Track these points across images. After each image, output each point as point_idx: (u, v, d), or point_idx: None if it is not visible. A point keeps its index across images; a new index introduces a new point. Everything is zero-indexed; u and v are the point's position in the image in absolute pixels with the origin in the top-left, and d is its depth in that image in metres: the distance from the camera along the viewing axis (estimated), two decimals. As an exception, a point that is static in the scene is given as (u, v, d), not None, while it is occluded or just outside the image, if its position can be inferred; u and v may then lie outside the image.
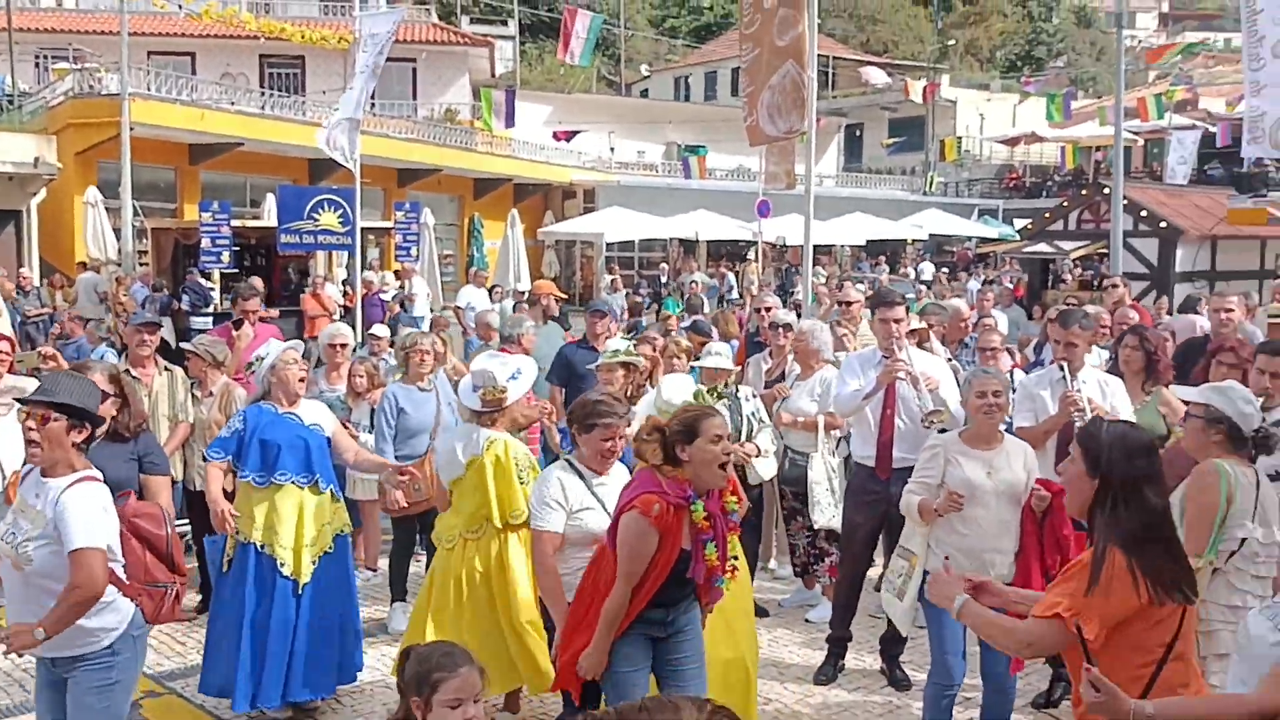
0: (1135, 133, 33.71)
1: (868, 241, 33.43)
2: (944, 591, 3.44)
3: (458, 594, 5.24)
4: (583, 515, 4.52)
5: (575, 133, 31.04)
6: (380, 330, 9.54)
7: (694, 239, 31.45)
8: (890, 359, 5.83)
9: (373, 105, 24.82)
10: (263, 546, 5.40)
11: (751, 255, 29.00)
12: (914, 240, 35.35)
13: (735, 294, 25.17)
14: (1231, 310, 7.12)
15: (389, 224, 21.11)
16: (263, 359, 5.59)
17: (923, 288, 21.32)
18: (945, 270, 29.28)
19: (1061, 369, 5.72)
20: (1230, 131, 29.94)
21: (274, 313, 16.78)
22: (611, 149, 36.01)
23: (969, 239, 35.28)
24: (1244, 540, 4.10)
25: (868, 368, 6.02)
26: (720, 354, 6.92)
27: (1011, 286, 17.51)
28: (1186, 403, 4.44)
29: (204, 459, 5.63)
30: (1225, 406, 4.18)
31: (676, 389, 5.63)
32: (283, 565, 5.39)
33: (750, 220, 26.14)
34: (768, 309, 8.43)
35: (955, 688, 4.96)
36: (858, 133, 46.53)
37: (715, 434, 4.01)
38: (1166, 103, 29.86)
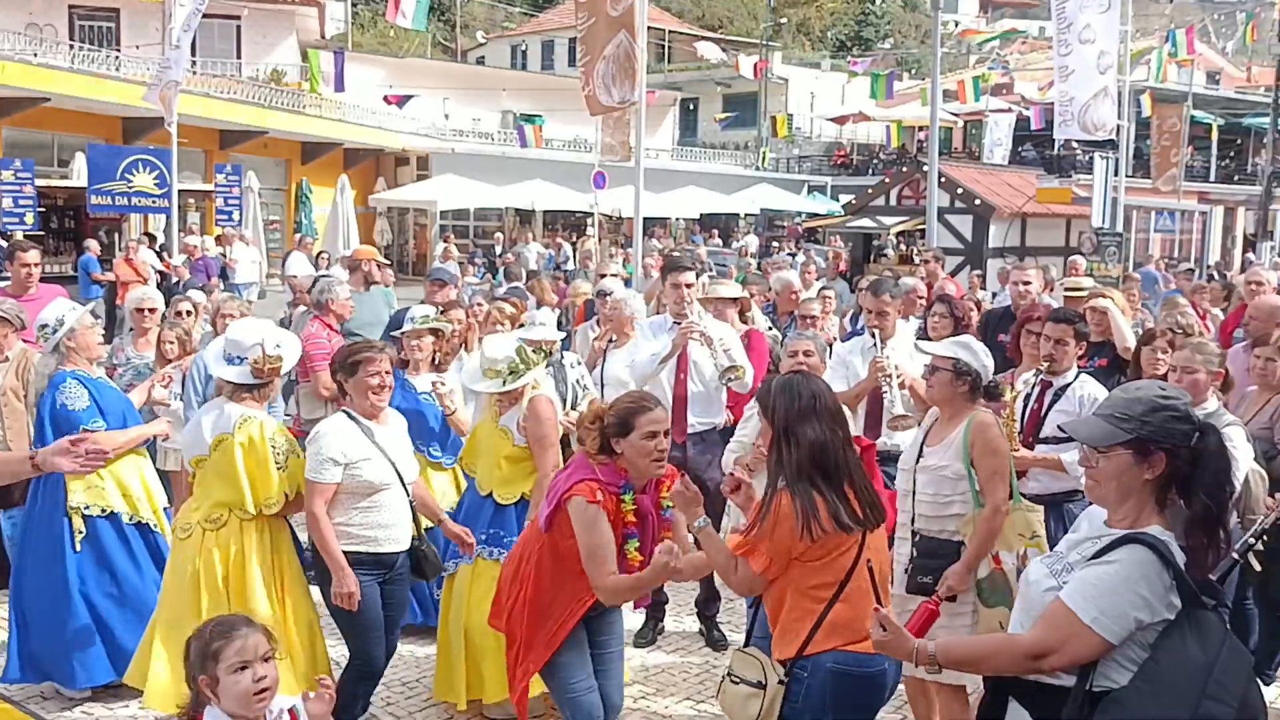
0: (955, 115, 35.08)
1: (701, 215, 33.85)
2: (688, 508, 3.69)
3: (194, 593, 4.63)
4: (361, 466, 4.49)
5: (408, 98, 30.38)
6: (197, 296, 9.17)
7: (530, 209, 31.25)
8: (683, 322, 5.93)
9: (193, 63, 23.76)
10: (123, 514, 5.23)
11: (590, 226, 29.03)
12: (747, 215, 35.98)
13: (571, 265, 25.15)
14: (1030, 282, 7.55)
15: (210, 187, 20.30)
16: (54, 323, 5.26)
17: (751, 261, 21.76)
18: (776, 245, 29.92)
19: (873, 336, 5.94)
20: (1043, 115, 31.42)
21: (110, 276, 16.00)
22: (446, 116, 35.39)
23: (799, 214, 36.12)
24: None
25: (660, 333, 6.14)
26: (544, 324, 6.90)
27: (824, 262, 17.93)
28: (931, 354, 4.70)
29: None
30: (972, 360, 4.50)
31: (499, 346, 5.59)
32: (156, 527, 5.31)
33: (587, 191, 26.14)
34: (601, 277, 8.52)
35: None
36: (692, 107, 46.94)
37: (650, 429, 3.98)
38: (984, 86, 31.18)
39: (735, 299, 7.16)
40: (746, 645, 3.81)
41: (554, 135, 33.84)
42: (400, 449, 4.70)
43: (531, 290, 9.26)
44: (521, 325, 6.88)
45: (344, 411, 4.62)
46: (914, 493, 4.54)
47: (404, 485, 4.62)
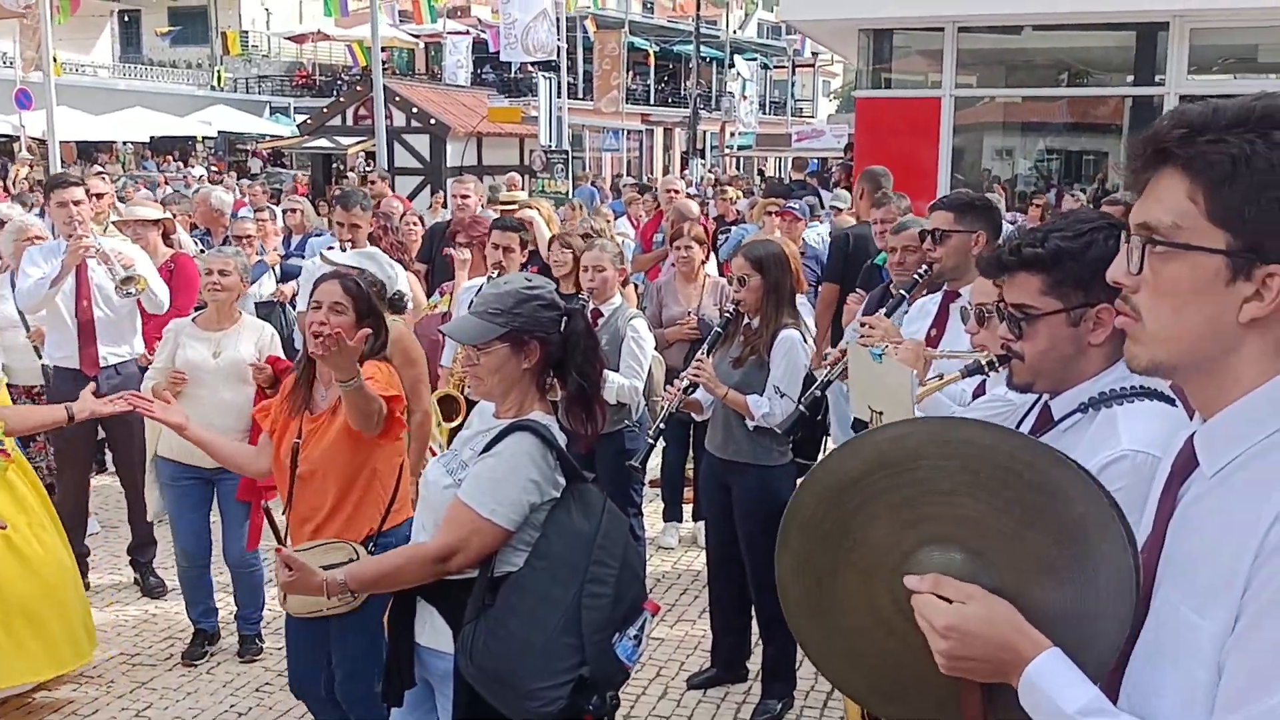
0: (416, 35, 35.09)
1: (152, 138, 31.26)
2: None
3: None
4: None
5: None
6: None
7: (-67, 132, 27.08)
8: (72, 239, 5.54)
9: None
10: None
11: (24, 151, 25.64)
12: (204, 137, 33.76)
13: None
14: (468, 196, 7.73)
15: None
16: None
17: (208, 189, 20.50)
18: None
19: (344, 250, 5.87)
20: (500, 38, 32.26)
21: None
22: None
23: (262, 136, 34.51)
24: None
25: (53, 257, 5.67)
26: None
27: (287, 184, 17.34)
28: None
29: None
30: (377, 271, 4.50)
31: None
32: None
33: (10, 112, 23.13)
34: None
35: (195, 566, 5.05)
36: (128, 19, 42.82)
37: None
38: (440, 8, 31.40)
39: (156, 220, 6.66)
40: None
41: (-38, 48, 29.45)
42: None
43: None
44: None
45: None
46: None
47: None
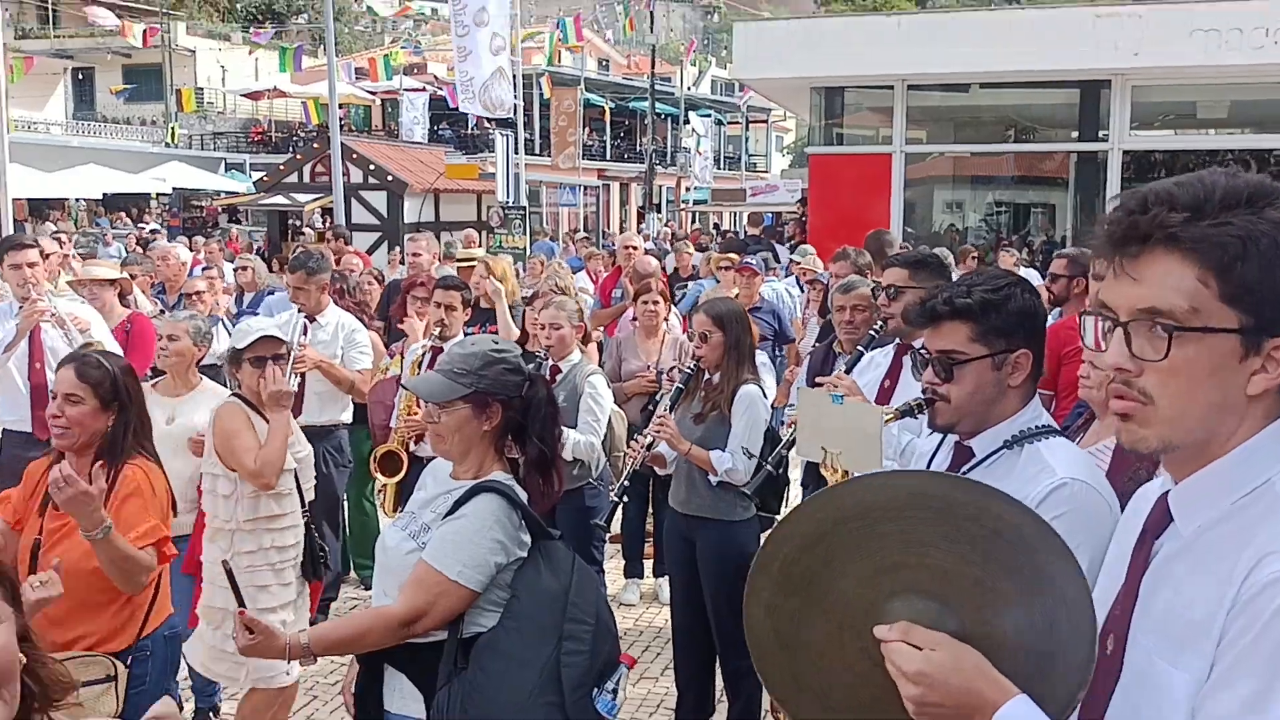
0: (372, 93, 35.23)
1: (105, 195, 31.00)
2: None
3: None
4: None
5: None
6: None
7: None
8: (27, 303, 5.50)
9: None
10: None
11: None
12: (159, 194, 33.55)
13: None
14: (419, 254, 7.75)
15: None
16: None
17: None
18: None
19: (301, 311, 5.85)
20: (458, 92, 32.43)
21: None
22: None
23: (217, 193, 34.35)
24: None
25: (6, 320, 5.63)
26: None
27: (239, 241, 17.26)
28: None
29: None
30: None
31: None
32: None
33: (-44, 169, 22.80)
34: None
35: None
36: (82, 76, 42.71)
37: None
38: (395, 65, 31.59)
39: (113, 280, 6.63)
40: None
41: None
42: None
43: None
44: None
45: None
46: None
47: None
